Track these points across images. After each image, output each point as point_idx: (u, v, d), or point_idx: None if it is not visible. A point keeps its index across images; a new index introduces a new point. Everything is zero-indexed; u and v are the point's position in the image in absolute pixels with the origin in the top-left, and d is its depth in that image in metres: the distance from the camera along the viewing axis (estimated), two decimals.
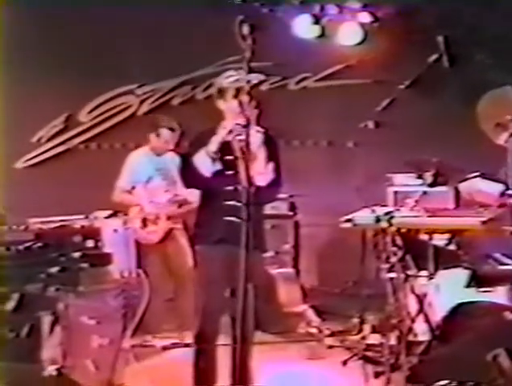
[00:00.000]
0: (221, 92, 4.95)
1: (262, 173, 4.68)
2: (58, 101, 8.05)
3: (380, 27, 7.64)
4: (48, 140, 8.23)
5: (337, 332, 6.85)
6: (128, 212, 6.68)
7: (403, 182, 6.91)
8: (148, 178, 6.86)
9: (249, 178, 4.64)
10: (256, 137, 4.77)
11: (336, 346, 6.59)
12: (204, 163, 4.80)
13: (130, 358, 5.96)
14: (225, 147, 4.86)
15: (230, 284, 4.69)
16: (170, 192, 6.70)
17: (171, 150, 6.84)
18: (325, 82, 7.91)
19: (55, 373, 3.60)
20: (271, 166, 4.85)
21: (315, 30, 7.74)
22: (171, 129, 6.87)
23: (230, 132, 4.82)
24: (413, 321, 5.80)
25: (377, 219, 5.22)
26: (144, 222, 6.82)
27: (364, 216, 5.46)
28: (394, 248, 5.23)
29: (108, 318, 5.52)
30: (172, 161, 6.61)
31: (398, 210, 5.50)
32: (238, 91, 4.81)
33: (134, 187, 6.90)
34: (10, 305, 4.26)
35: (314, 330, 7.01)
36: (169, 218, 6.77)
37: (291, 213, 7.62)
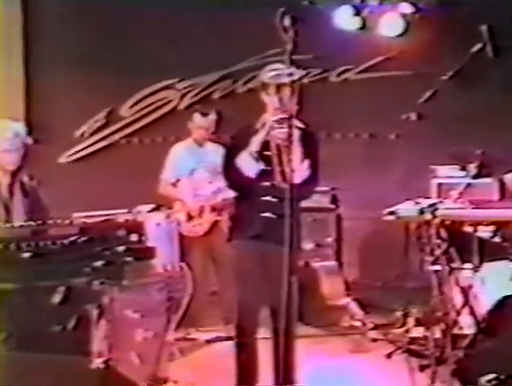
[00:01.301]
0: (264, 86, 4.94)
1: (297, 170, 4.65)
2: (100, 96, 8.12)
3: (421, 18, 7.59)
4: (91, 135, 8.30)
5: (381, 325, 6.83)
6: (171, 206, 6.68)
7: (447, 174, 6.87)
8: (191, 170, 6.86)
9: (285, 175, 4.66)
10: (294, 133, 4.74)
11: (379, 339, 6.56)
12: (248, 164, 4.81)
13: (174, 351, 5.99)
14: (263, 144, 4.86)
15: (268, 278, 4.71)
16: (214, 184, 6.68)
17: (212, 140, 6.82)
18: (366, 74, 7.88)
19: (102, 366, 3.62)
20: (307, 163, 4.82)
21: (356, 22, 7.72)
22: (204, 114, 6.88)
23: (270, 129, 4.82)
24: (458, 314, 5.75)
25: (421, 212, 5.18)
26: (189, 215, 6.84)
27: (407, 209, 5.41)
28: (439, 241, 5.19)
29: (152, 312, 5.54)
30: (215, 151, 6.57)
31: (441, 202, 5.44)
32: (280, 86, 4.80)
33: (178, 180, 6.92)
34: (57, 298, 4.29)
35: (357, 324, 6.99)
36: (214, 210, 6.76)
37: (333, 206, 7.59)
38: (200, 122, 6.86)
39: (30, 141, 5.39)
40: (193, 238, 6.77)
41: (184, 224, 6.77)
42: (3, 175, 5.16)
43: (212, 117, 6.86)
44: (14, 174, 5.18)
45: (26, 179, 5.24)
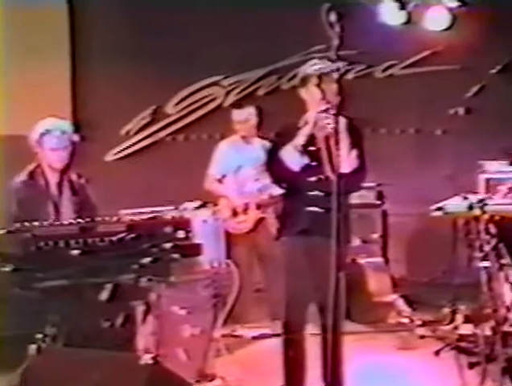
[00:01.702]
0: (304, 81, 4.92)
1: (345, 160, 4.62)
2: (145, 94, 8.15)
3: (468, 11, 7.49)
4: (137, 132, 8.34)
5: (429, 322, 6.76)
6: (217, 203, 6.70)
7: (496, 169, 6.77)
8: (238, 167, 6.87)
9: (334, 168, 4.63)
10: (339, 124, 4.71)
11: (427, 336, 6.50)
12: (293, 158, 4.78)
13: (220, 348, 6.00)
14: (308, 139, 4.84)
15: (316, 274, 4.69)
16: (260, 181, 6.68)
17: (260, 136, 6.82)
18: (412, 69, 7.82)
19: (151, 361, 3.63)
20: (355, 152, 4.79)
21: (401, 17, 7.66)
22: (238, 106, 6.88)
23: (315, 123, 4.80)
24: (508, 310, 5.68)
25: (470, 207, 5.11)
26: (234, 211, 6.85)
27: (456, 204, 5.35)
28: (487, 237, 5.12)
29: (199, 308, 5.57)
30: (262, 148, 6.56)
31: (490, 197, 5.37)
32: (320, 79, 4.78)
33: (224, 176, 6.94)
34: (105, 295, 4.32)
35: (405, 320, 6.94)
36: (259, 207, 6.76)
37: (378, 202, 7.55)
38: (237, 117, 6.89)
39: (77, 139, 5.43)
40: (238, 235, 6.78)
41: (229, 221, 6.79)
42: (52, 174, 5.20)
43: (251, 111, 6.88)
44: (63, 173, 5.22)
45: (74, 177, 5.28)
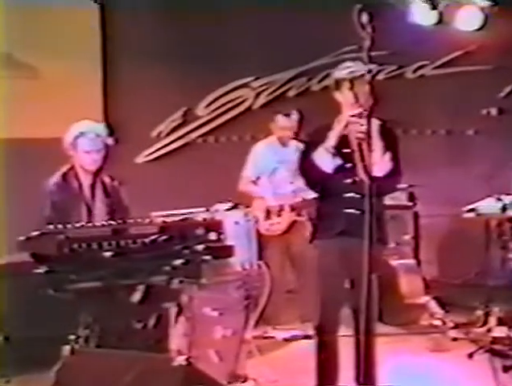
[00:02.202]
0: (338, 84, 4.90)
1: (379, 163, 4.60)
2: (176, 96, 8.18)
3: (501, 10, 7.42)
4: (167, 134, 8.37)
5: (461, 324, 6.72)
6: (249, 204, 6.71)
7: None
8: (273, 169, 6.88)
9: (367, 170, 4.62)
10: (372, 127, 4.70)
11: (460, 338, 6.46)
12: (325, 160, 4.77)
13: (252, 349, 6.01)
14: (342, 140, 4.82)
15: (350, 276, 4.68)
16: (294, 184, 6.66)
17: (295, 138, 6.82)
18: (444, 69, 7.78)
19: (184, 363, 3.64)
20: (388, 155, 4.77)
21: (432, 17, 7.61)
22: (287, 115, 6.88)
23: (347, 125, 4.79)
24: None
25: (504, 208, 5.09)
26: (267, 213, 6.84)
27: (488, 205, 5.33)
28: None
29: (230, 310, 5.57)
30: (297, 151, 6.56)
31: None
32: (353, 82, 4.76)
33: (259, 178, 6.94)
34: (137, 296, 4.34)
35: (437, 322, 6.90)
36: (293, 209, 6.76)
37: (410, 203, 7.52)
38: (283, 123, 6.90)
39: (111, 142, 5.47)
40: (271, 236, 6.79)
41: (262, 222, 6.81)
42: (85, 176, 5.24)
43: (295, 117, 6.88)
44: (96, 175, 5.26)
45: (107, 180, 5.31)
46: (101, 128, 5.48)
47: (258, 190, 6.92)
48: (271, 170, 6.84)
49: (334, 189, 4.85)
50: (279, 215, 6.78)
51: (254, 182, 6.96)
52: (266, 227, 6.82)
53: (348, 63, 4.88)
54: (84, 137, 5.18)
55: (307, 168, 4.92)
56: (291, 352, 6.37)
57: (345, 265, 4.78)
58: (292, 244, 6.76)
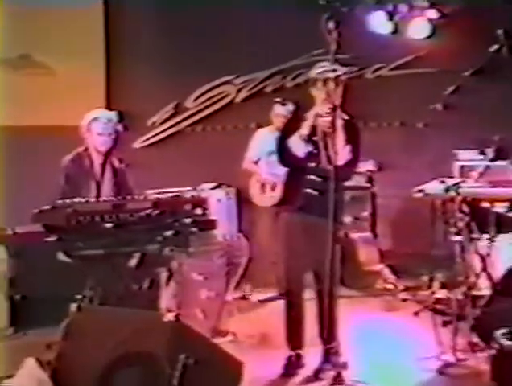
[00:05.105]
0: (313, 82, 4.90)
1: (340, 153, 4.62)
2: (169, 90, 8.18)
3: (446, 22, 7.46)
4: (161, 124, 8.36)
5: (410, 288, 6.82)
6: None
7: (468, 157, 6.80)
8: (270, 152, 6.91)
9: (329, 157, 4.65)
10: (338, 121, 4.71)
11: (409, 299, 6.57)
12: (299, 145, 4.79)
13: (233, 309, 6.06)
14: (311, 130, 4.83)
15: (312, 247, 4.71)
16: None
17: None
18: (398, 71, 7.78)
19: (173, 319, 3.67)
20: (349, 147, 4.78)
21: (388, 26, 7.62)
22: (283, 104, 6.95)
23: (317, 116, 4.81)
24: (477, 277, 5.72)
25: (447, 190, 5.14)
26: (263, 188, 7.01)
27: (434, 187, 5.38)
28: (461, 215, 5.14)
29: (214, 275, 5.62)
30: None
31: (464, 181, 5.39)
32: (325, 81, 4.77)
33: (259, 159, 7.05)
34: (133, 262, 4.36)
35: (390, 286, 6.98)
36: None
37: (368, 185, 7.57)
38: (280, 111, 6.97)
39: (120, 128, 5.44)
40: (264, 208, 6.88)
41: (258, 195, 7.00)
42: (97, 156, 5.21)
43: (290, 106, 6.97)
44: (106, 156, 5.22)
45: (116, 162, 5.29)
46: (112, 115, 5.50)
47: (258, 169, 7.04)
48: (268, 153, 6.88)
49: (301, 170, 4.88)
50: (273, 190, 6.85)
51: (255, 163, 7.08)
52: (261, 199, 6.99)
53: (321, 64, 4.86)
54: (98, 122, 5.16)
55: (283, 151, 4.92)
56: (267, 312, 6.40)
57: (308, 238, 4.78)
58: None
